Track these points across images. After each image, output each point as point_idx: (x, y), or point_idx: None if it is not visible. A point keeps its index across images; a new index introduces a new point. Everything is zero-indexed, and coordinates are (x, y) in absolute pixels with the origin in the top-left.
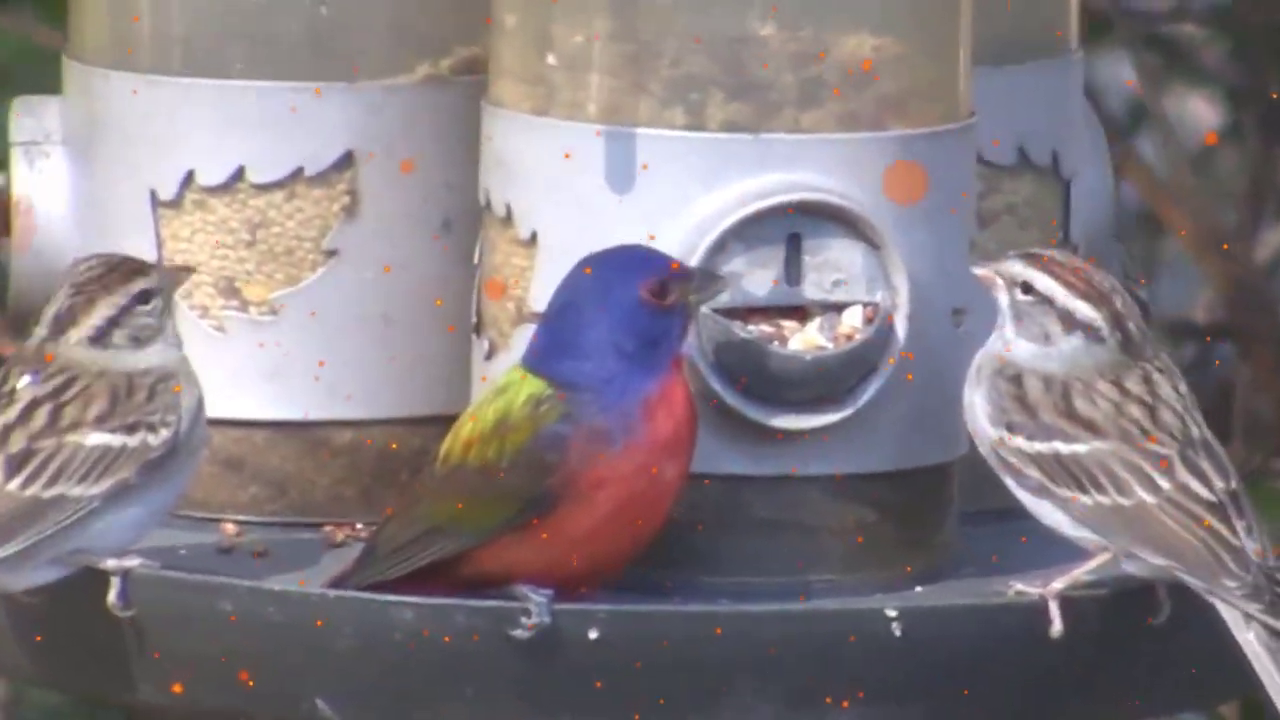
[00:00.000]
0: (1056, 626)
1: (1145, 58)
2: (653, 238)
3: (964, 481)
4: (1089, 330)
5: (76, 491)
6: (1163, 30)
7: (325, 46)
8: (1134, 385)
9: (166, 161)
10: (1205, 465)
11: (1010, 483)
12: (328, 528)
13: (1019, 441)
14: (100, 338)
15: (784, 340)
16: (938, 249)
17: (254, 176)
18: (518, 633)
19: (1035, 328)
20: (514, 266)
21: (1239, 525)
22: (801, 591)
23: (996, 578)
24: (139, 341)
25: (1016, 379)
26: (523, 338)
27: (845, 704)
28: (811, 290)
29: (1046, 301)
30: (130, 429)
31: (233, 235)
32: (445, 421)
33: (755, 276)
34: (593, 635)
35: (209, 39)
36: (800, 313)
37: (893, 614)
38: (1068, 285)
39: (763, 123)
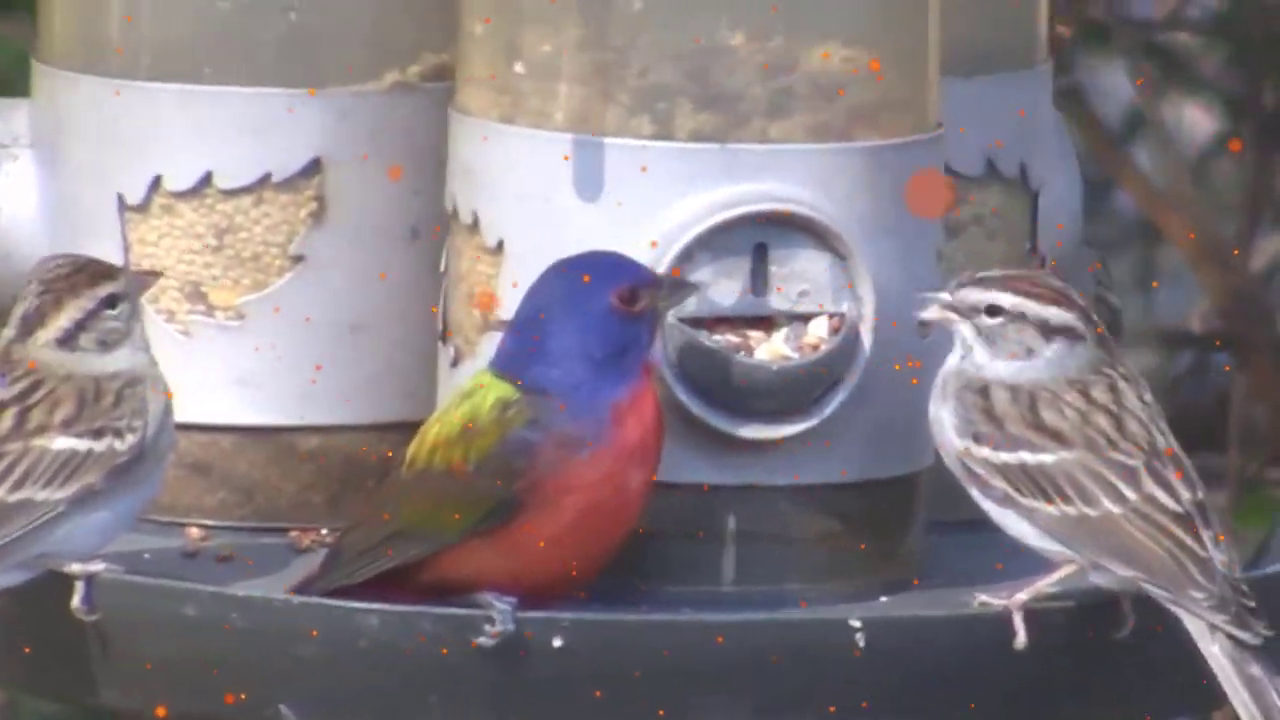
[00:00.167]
0: (1020, 638)
1: (1143, 66)
2: (619, 247)
3: (934, 492)
4: (1068, 333)
5: (42, 496)
6: (1160, 38)
7: (294, 53)
8: (1100, 394)
9: (134, 166)
10: (1171, 476)
11: (975, 493)
12: (294, 533)
13: (985, 452)
14: (68, 340)
15: (750, 350)
16: (904, 260)
17: (221, 182)
18: (482, 640)
19: (1013, 346)
20: (480, 274)
21: (1205, 536)
22: (766, 601)
23: (963, 589)
24: (106, 345)
25: (984, 391)
26: (489, 345)
27: (809, 714)
28: (778, 300)
29: (1019, 318)
30: (97, 433)
31: (200, 240)
32: (412, 428)
33: (722, 286)
34: (557, 643)
35: (178, 44)
36: (766, 323)
37: (857, 624)
38: (1034, 296)
39: (731, 133)
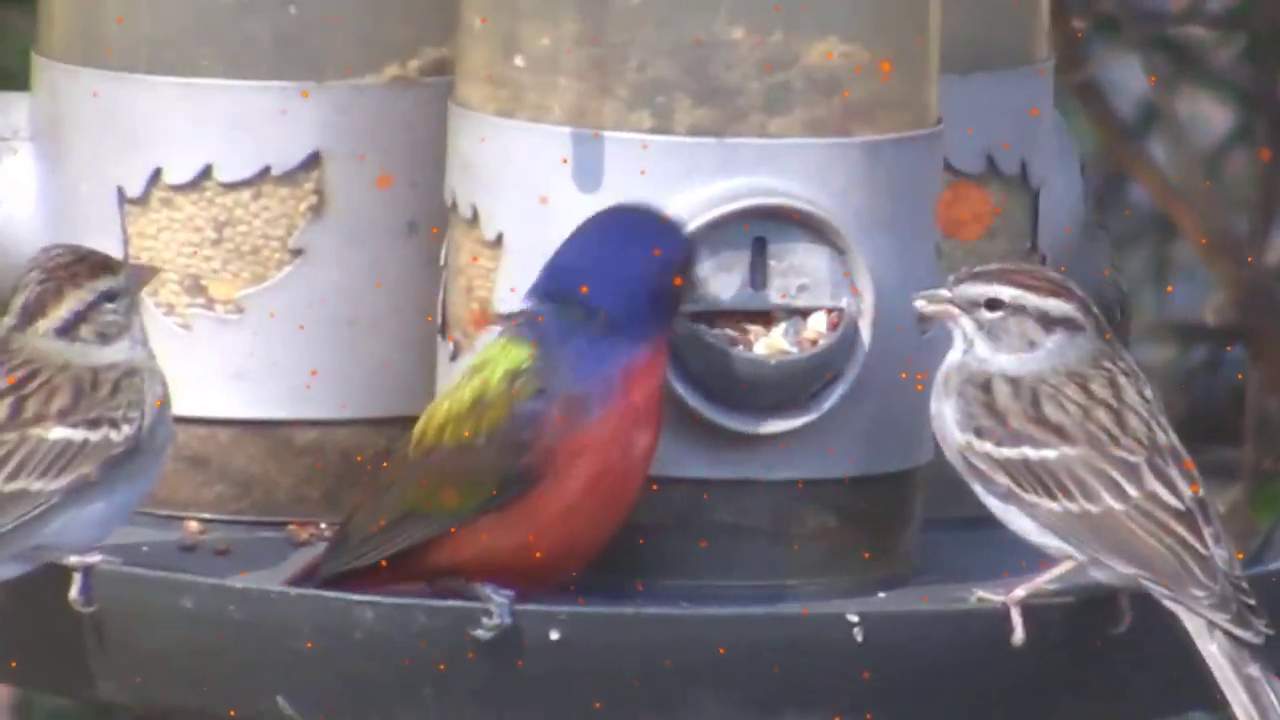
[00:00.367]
0: (1018, 634)
1: (1156, 60)
2: None
3: (932, 488)
4: (1068, 324)
5: (37, 486)
6: (1173, 32)
7: (293, 46)
8: (1100, 389)
9: (134, 159)
10: (1173, 472)
11: (978, 488)
12: (291, 526)
13: (987, 447)
14: (67, 330)
15: (749, 344)
16: (903, 255)
17: (221, 175)
18: (479, 633)
19: (1014, 339)
20: (480, 268)
21: (1207, 533)
22: (764, 596)
23: (961, 584)
24: (105, 338)
25: (986, 385)
26: (487, 340)
27: (807, 708)
28: (776, 295)
29: (1019, 310)
30: (93, 424)
31: (199, 233)
32: (410, 423)
33: (720, 280)
34: (554, 636)
35: (177, 37)
36: (765, 317)
37: (854, 619)
38: (1033, 288)
39: (729, 127)
